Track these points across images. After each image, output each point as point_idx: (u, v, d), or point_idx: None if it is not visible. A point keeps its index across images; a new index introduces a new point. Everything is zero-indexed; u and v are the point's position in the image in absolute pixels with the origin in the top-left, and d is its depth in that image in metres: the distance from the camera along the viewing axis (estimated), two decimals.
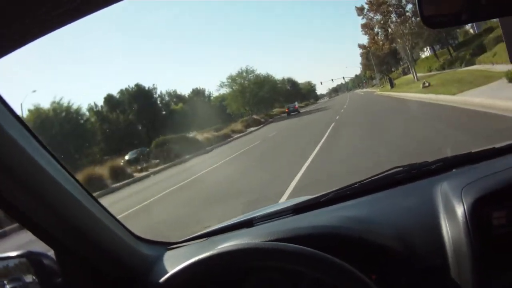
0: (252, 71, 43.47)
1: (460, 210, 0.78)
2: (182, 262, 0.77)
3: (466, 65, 19.94)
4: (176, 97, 44.73)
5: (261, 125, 31.37)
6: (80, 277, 0.86)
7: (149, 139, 28.85)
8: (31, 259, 0.84)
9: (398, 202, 0.95)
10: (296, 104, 42.95)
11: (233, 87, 43.11)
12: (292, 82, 66.11)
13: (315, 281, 0.80)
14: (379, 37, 28.78)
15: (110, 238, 0.87)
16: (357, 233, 0.85)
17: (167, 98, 43.02)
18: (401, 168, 1.06)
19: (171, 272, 0.77)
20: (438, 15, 0.71)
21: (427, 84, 16.27)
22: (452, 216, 0.80)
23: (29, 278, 0.83)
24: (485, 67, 15.31)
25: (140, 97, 38.00)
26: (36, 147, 0.73)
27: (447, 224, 0.80)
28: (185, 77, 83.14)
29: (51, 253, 0.84)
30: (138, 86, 39.26)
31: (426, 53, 38.07)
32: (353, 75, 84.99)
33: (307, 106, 55.94)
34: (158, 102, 40.93)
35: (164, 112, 40.78)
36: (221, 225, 1.12)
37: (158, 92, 41.24)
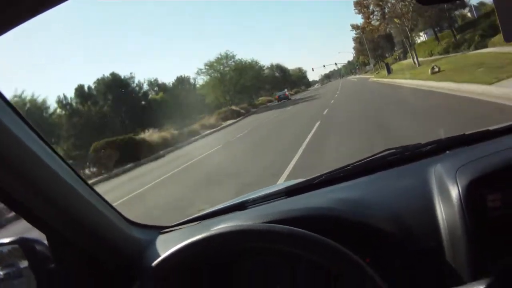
0: (233, 57, 40.08)
1: (454, 192, 0.79)
2: (175, 246, 0.79)
3: (477, 48, 18.65)
4: (158, 86, 41.24)
5: (240, 118, 28.38)
6: (73, 263, 0.88)
7: (125, 133, 25.15)
8: (24, 246, 0.85)
9: (391, 184, 0.97)
10: (286, 91, 43.31)
11: (211, 75, 39.66)
12: (280, 69, 64.24)
13: (312, 264, 0.83)
14: (374, 16, 26.50)
15: (103, 222, 0.89)
16: (351, 215, 0.87)
17: (146, 87, 39.26)
18: (395, 150, 1.09)
19: (163, 255, 0.79)
20: None
21: (436, 69, 13.83)
22: (447, 198, 0.81)
23: (22, 265, 0.86)
24: (505, 50, 12.57)
25: (115, 86, 35.31)
26: (27, 133, 0.75)
27: (442, 206, 0.82)
28: (169, 65, 78.68)
29: (44, 239, 0.87)
30: (113, 75, 36.81)
31: (422, 38, 37.30)
32: (345, 62, 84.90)
33: (297, 93, 53.52)
34: (136, 92, 37.43)
35: (143, 103, 37.60)
36: (214, 209, 1.15)
37: (136, 81, 37.80)
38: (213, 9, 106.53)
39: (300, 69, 78.25)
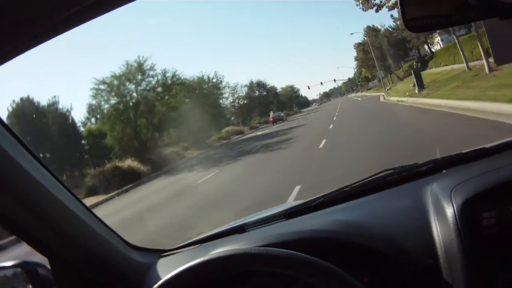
0: (152, 68, 28.57)
1: (449, 211, 1.05)
2: (175, 269, 1.02)
3: None
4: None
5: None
6: (74, 286, 1.17)
7: None
8: (26, 269, 1.15)
9: (389, 204, 1.28)
10: (281, 113, 50.69)
11: (110, 101, 27.70)
12: (262, 87, 66.30)
13: (309, 286, 1.09)
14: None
15: (104, 246, 1.19)
16: (349, 236, 1.16)
17: None
18: (392, 171, 1.41)
19: (163, 279, 1.02)
20: (421, 18, 0.89)
21: None
22: (442, 217, 1.07)
23: None
24: None
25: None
26: (27, 157, 1.01)
27: (438, 225, 1.08)
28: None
29: (46, 263, 1.15)
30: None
31: (436, 46, 39.36)
32: (346, 78, 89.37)
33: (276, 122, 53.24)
34: None
35: None
36: (214, 232, 1.47)
37: None
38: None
39: (291, 88, 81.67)
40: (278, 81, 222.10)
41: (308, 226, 1.25)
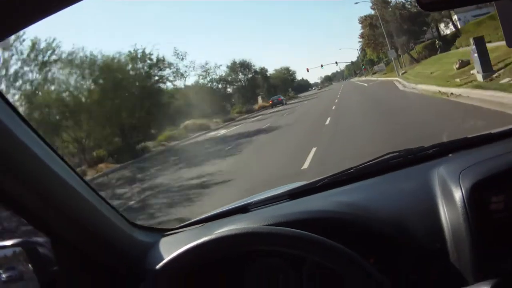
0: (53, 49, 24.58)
1: (458, 195, 1.21)
2: (178, 249, 1.21)
3: None
4: None
5: None
6: (76, 266, 1.37)
7: None
8: (26, 248, 1.34)
9: (395, 187, 1.49)
10: (280, 96, 54.93)
11: None
12: (247, 68, 63.66)
13: (317, 266, 1.30)
14: None
15: (105, 225, 1.39)
16: (354, 217, 1.36)
17: None
18: (397, 153, 1.64)
19: (166, 258, 1.22)
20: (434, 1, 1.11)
21: None
22: (450, 200, 1.24)
23: (25, 267, 1.34)
24: None
25: None
26: (26, 132, 1.16)
27: (445, 209, 1.26)
28: None
29: (47, 242, 1.34)
30: None
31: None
32: (349, 62, 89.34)
33: (262, 109, 52.63)
34: None
35: None
36: (217, 211, 1.72)
37: None
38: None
39: (287, 69, 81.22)
40: (274, 64, 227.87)
41: (313, 207, 1.47)
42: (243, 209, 1.67)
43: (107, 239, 1.40)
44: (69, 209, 1.28)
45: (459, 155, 1.52)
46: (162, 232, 1.68)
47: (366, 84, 42.39)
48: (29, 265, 1.34)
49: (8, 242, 1.36)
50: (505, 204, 1.17)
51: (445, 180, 1.31)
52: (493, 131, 1.58)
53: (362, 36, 52.94)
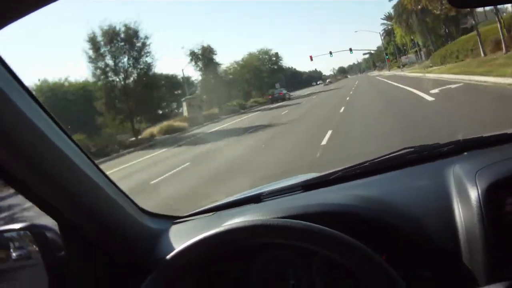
0: None
1: (474, 194, 1.20)
2: (189, 237, 1.21)
3: None
4: None
5: None
6: (84, 251, 1.36)
7: None
8: (34, 232, 1.34)
9: (409, 183, 1.49)
10: (283, 90, 47.20)
11: None
12: (209, 51, 47.74)
13: (328, 260, 1.30)
14: None
15: (115, 210, 1.38)
16: (367, 212, 1.36)
17: None
18: (412, 149, 1.64)
19: (178, 248, 1.22)
20: None
21: None
22: (466, 199, 1.23)
23: (32, 251, 1.35)
24: None
25: None
26: (42, 118, 1.16)
27: (460, 208, 1.24)
28: None
29: (55, 226, 1.33)
30: None
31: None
32: (365, 49, 79.43)
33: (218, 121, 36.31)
34: None
35: None
36: (229, 200, 1.73)
37: None
38: None
39: (266, 53, 63.10)
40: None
41: (326, 200, 1.46)
42: (255, 199, 1.67)
43: (116, 224, 1.40)
44: (78, 193, 1.27)
45: (474, 154, 1.51)
46: (173, 219, 1.68)
47: (406, 88, 22.32)
48: (36, 249, 1.34)
49: (16, 225, 1.36)
50: None
51: (461, 179, 1.30)
52: (509, 131, 1.56)
53: (394, 16, 45.61)
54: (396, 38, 51.56)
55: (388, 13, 58.38)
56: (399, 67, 50.85)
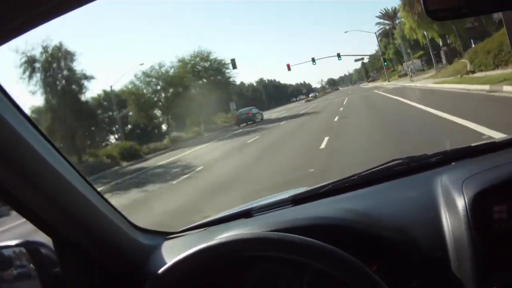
0: None
1: (461, 203, 1.22)
2: (180, 252, 1.22)
3: None
4: None
5: None
6: (78, 267, 1.39)
7: None
8: (29, 249, 1.37)
9: (397, 194, 1.52)
10: (253, 110, 38.02)
11: None
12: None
13: (319, 272, 1.33)
14: None
15: (108, 227, 1.41)
16: (357, 224, 1.38)
17: None
18: (401, 161, 1.67)
19: (169, 263, 1.22)
20: (442, 10, 1.11)
21: None
22: (453, 209, 1.25)
23: (27, 267, 1.38)
24: None
25: None
26: (35, 136, 1.19)
27: (448, 217, 1.27)
28: None
29: (49, 242, 1.36)
30: None
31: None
32: (357, 54, 70.51)
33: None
34: None
35: None
36: (220, 215, 1.76)
37: None
38: None
39: (206, 57, 45.22)
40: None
41: (316, 213, 1.48)
42: (246, 214, 1.70)
43: (110, 241, 1.42)
44: (72, 209, 1.30)
45: (462, 163, 1.54)
46: (165, 235, 1.71)
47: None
48: (32, 266, 1.36)
49: (11, 242, 1.38)
50: (508, 214, 1.18)
51: (448, 189, 1.33)
52: (497, 140, 1.60)
53: (387, 15, 39.64)
54: (404, 32, 37.52)
55: (385, 9, 49.96)
56: (400, 76, 42.28)
